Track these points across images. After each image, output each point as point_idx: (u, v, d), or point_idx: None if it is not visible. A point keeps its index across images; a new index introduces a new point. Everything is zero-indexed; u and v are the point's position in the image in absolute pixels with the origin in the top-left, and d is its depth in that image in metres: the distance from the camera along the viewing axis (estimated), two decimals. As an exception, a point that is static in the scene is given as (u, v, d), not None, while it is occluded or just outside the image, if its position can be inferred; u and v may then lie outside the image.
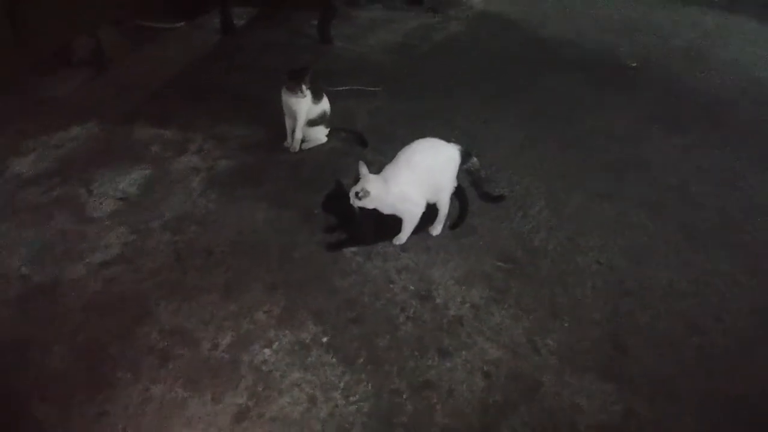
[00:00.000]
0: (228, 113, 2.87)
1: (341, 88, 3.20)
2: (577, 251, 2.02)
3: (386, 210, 1.89)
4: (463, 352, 1.58)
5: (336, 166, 2.42)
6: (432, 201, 1.95)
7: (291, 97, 2.40)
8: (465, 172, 2.00)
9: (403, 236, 1.98)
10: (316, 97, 2.49)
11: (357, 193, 1.81)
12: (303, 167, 2.45)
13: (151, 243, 1.94)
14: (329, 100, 2.57)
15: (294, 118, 2.47)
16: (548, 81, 3.56)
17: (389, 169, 1.88)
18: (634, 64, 3.75)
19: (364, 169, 1.86)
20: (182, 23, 4.13)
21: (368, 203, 1.84)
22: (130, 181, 2.30)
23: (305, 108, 2.46)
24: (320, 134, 2.59)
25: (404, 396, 1.44)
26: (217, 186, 2.28)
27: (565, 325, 1.70)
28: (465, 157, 1.97)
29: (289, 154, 2.53)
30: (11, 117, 2.66)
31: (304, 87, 2.39)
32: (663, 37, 4.56)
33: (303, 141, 2.57)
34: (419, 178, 1.87)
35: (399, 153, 1.92)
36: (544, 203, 2.28)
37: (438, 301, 1.76)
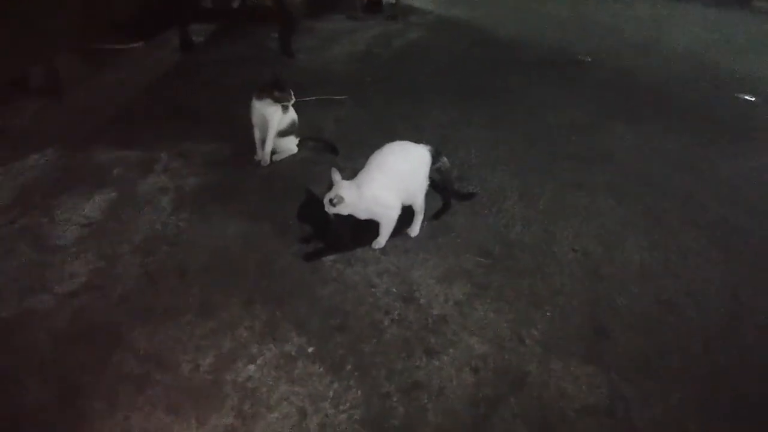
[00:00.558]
0: (192, 131, 2.83)
1: (308, 99, 3.20)
2: (552, 241, 2.06)
3: (362, 215, 1.89)
4: (450, 350, 1.58)
5: (308, 176, 2.40)
6: (407, 203, 1.96)
7: (267, 107, 2.39)
8: (435, 172, 2.02)
9: (381, 240, 1.98)
10: (285, 108, 2.48)
11: (331, 200, 1.80)
12: (275, 179, 2.42)
13: (120, 268, 1.87)
14: (297, 111, 2.56)
15: (265, 130, 2.45)
16: (509, 80, 3.66)
17: (362, 175, 1.89)
18: (589, 59, 3.90)
19: (337, 176, 1.85)
20: (140, 43, 4.06)
21: (343, 209, 1.83)
22: (93, 205, 2.21)
23: (277, 118, 2.44)
24: (291, 144, 2.58)
25: (394, 399, 1.43)
26: (187, 204, 2.23)
27: (547, 314, 1.72)
28: (435, 156, 1.99)
29: (260, 168, 2.49)
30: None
31: (291, 92, 2.41)
32: (615, 30, 4.76)
33: (274, 153, 2.55)
34: (392, 181, 1.88)
35: (370, 158, 1.92)
36: (518, 197, 2.32)
37: (421, 301, 1.75)
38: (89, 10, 3.40)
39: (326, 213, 1.84)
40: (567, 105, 3.31)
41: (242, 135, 2.54)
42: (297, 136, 2.59)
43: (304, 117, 2.83)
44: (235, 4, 4.49)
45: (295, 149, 2.60)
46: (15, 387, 1.45)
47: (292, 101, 2.42)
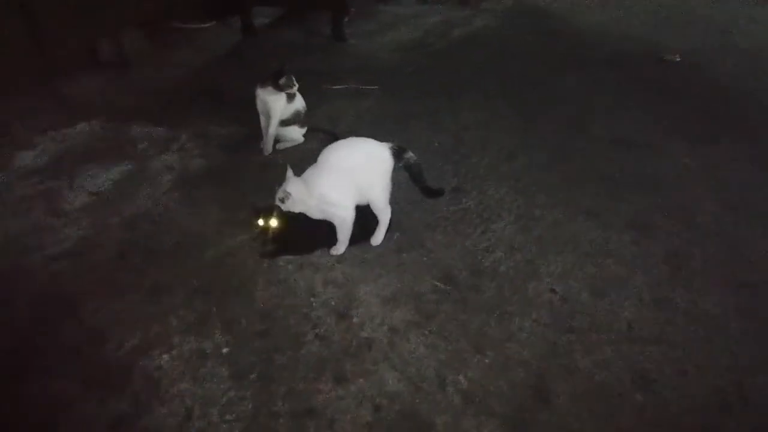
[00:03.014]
0: (220, 113, 2.93)
1: (338, 87, 3.15)
2: (532, 276, 1.79)
3: (314, 214, 1.82)
4: (361, 380, 1.46)
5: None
6: (362, 203, 1.85)
7: (269, 95, 2.40)
8: (403, 169, 1.88)
9: (339, 246, 1.89)
10: (290, 97, 2.47)
11: (280, 198, 1.76)
12: (271, 169, 2.42)
13: (102, 238, 2.02)
14: (322, 100, 2.53)
15: (268, 117, 2.46)
16: (565, 80, 3.24)
17: (309, 171, 1.82)
18: (677, 59, 3.27)
19: (289, 173, 1.81)
20: (212, 23, 4.30)
21: (292, 206, 1.78)
22: (109, 176, 2.41)
23: (280, 106, 2.44)
24: (295, 134, 2.56)
25: (281, 421, 1.37)
26: (184, 185, 2.33)
27: (486, 360, 1.51)
28: (398, 154, 1.85)
29: (262, 155, 2.52)
30: (29, 113, 2.91)
31: (294, 81, 2.39)
32: (722, 29, 3.96)
33: (278, 141, 2.55)
34: (339, 179, 1.78)
35: (321, 152, 1.84)
36: (513, 219, 2.06)
37: (355, 320, 1.64)
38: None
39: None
40: (623, 115, 2.83)
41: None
42: (303, 126, 2.56)
43: (325, 106, 2.79)
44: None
45: (300, 139, 2.57)
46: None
47: (295, 89, 2.40)
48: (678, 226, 2.00)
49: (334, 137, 2.61)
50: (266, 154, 2.51)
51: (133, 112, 2.97)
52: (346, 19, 4.00)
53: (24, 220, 2.15)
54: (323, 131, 2.63)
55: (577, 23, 4.15)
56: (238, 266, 1.87)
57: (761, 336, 1.58)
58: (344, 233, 1.85)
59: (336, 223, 1.83)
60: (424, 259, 1.88)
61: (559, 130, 2.69)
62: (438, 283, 1.76)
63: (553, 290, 1.73)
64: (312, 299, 1.72)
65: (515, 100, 2.99)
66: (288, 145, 2.56)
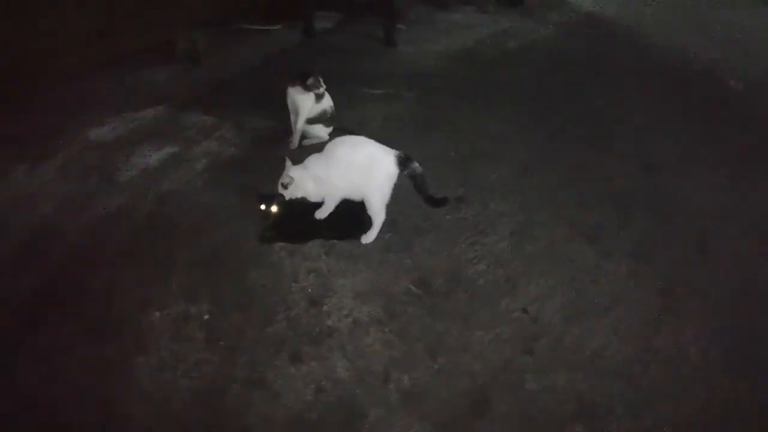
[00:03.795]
0: (264, 107, 3.16)
1: (375, 91, 3.27)
2: (508, 293, 1.78)
3: (313, 197, 1.99)
4: (313, 363, 1.57)
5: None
6: (354, 198, 1.97)
7: (298, 94, 2.58)
8: (408, 178, 1.95)
9: (324, 210, 2.03)
10: (319, 97, 2.63)
11: (282, 183, 1.92)
12: (294, 161, 2.60)
13: (137, 208, 2.30)
14: (357, 102, 2.67)
15: (296, 115, 2.64)
16: (610, 96, 3.08)
17: (312, 158, 2.00)
18: (740, 87, 2.99)
19: (288, 162, 2.00)
20: (279, 26, 4.63)
21: (294, 191, 1.95)
22: (158, 156, 2.73)
23: (308, 105, 2.61)
24: (320, 132, 2.72)
25: (234, 386, 1.51)
26: (214, 170, 2.57)
27: (435, 366, 1.54)
28: (404, 163, 1.93)
29: (288, 150, 2.71)
30: (108, 96, 3.36)
31: (322, 82, 2.57)
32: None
33: (304, 138, 2.73)
34: (337, 169, 1.92)
35: (327, 144, 2.01)
36: (508, 234, 2.05)
37: (324, 308, 1.75)
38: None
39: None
40: (659, 138, 2.66)
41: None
42: (329, 125, 2.71)
43: (359, 108, 2.92)
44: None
45: (325, 137, 2.72)
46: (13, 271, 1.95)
47: (322, 90, 2.55)
48: (684, 263, 1.87)
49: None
50: (292, 148, 2.69)
51: (191, 101, 3.31)
52: (401, 26, 4.12)
53: (80, 185, 2.50)
54: (347, 131, 2.77)
55: (644, 40, 3.92)
56: (239, 246, 2.06)
57: (741, 399, 1.44)
58: (328, 203, 2.00)
59: (326, 199, 2.01)
60: (407, 261, 1.93)
61: (585, 148, 2.60)
62: (412, 286, 1.82)
63: (525, 310, 1.71)
64: (293, 284, 1.86)
65: (549, 115, 2.92)
66: (313, 141, 2.73)
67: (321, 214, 2.04)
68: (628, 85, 3.21)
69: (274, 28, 4.57)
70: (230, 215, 2.23)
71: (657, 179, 2.33)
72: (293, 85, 2.56)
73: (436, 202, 2.05)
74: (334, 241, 2.02)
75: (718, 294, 1.75)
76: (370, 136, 2.70)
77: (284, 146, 2.73)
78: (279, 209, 1.98)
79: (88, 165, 2.67)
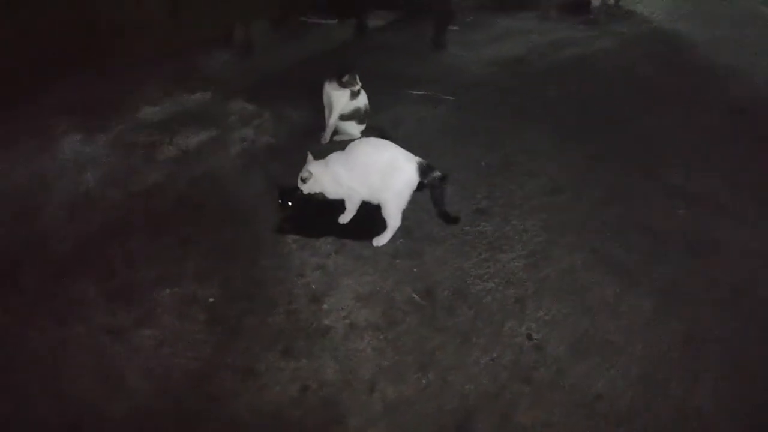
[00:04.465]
0: (303, 100, 3.18)
1: (416, 92, 3.23)
2: (514, 315, 1.71)
3: (331, 194, 2.00)
4: (304, 360, 1.57)
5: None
6: (372, 201, 1.96)
7: (333, 90, 2.60)
8: (427, 187, 1.92)
9: (347, 215, 2.04)
10: (354, 95, 2.63)
11: (302, 177, 1.96)
12: (321, 156, 2.62)
13: (169, 187, 2.40)
14: (395, 102, 2.66)
15: (330, 110, 2.66)
16: (665, 120, 2.87)
17: (334, 156, 2.00)
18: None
19: (309, 157, 2.02)
20: (335, 21, 4.68)
21: (312, 186, 1.98)
22: (199, 139, 2.84)
23: (342, 102, 2.63)
24: (352, 129, 2.72)
25: (225, 372, 1.55)
26: (245, 157, 2.64)
27: (424, 381, 1.50)
28: (425, 172, 1.89)
29: (319, 144, 2.73)
30: (166, 79, 3.52)
31: (357, 78, 2.58)
32: None
33: (336, 133, 2.74)
34: (356, 170, 1.92)
35: (349, 143, 2.01)
36: (525, 254, 1.96)
37: (324, 306, 1.75)
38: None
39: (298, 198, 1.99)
40: (712, 169, 2.44)
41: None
42: (362, 123, 2.71)
43: (398, 108, 2.89)
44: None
45: (356, 135, 2.72)
46: (52, 239, 2.08)
47: (358, 87, 2.56)
48: (714, 310, 1.71)
49: (386, 138, 2.74)
50: (323, 142, 2.72)
51: (239, 89, 3.41)
52: (455, 28, 4.05)
53: (125, 160, 2.66)
54: (380, 130, 2.75)
55: (709, 62, 3.60)
56: (257, 234, 2.10)
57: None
58: (350, 207, 2.00)
59: (347, 199, 2.00)
60: (415, 269, 1.90)
61: (624, 173, 2.43)
62: (415, 296, 1.78)
63: (529, 336, 1.63)
64: (298, 278, 1.87)
65: (592, 134, 2.76)
66: (344, 138, 2.73)
67: (344, 218, 2.05)
68: (682, 109, 2.97)
69: (332, 23, 4.64)
70: (254, 203, 2.29)
71: (698, 215, 2.14)
72: (330, 80, 2.59)
73: (449, 219, 2.01)
74: (347, 239, 2.02)
75: (747, 349, 1.59)
76: (402, 137, 2.74)
77: (317, 140, 2.77)
78: (297, 202, 2.01)
79: (135, 142, 2.82)
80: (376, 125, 2.78)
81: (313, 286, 1.83)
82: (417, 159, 1.91)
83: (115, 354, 1.62)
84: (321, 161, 2.00)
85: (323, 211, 2.07)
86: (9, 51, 3.00)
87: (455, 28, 4.26)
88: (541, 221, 2.11)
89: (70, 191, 2.37)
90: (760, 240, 2.02)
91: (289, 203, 2.00)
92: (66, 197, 2.33)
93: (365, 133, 2.76)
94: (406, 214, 1.99)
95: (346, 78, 2.52)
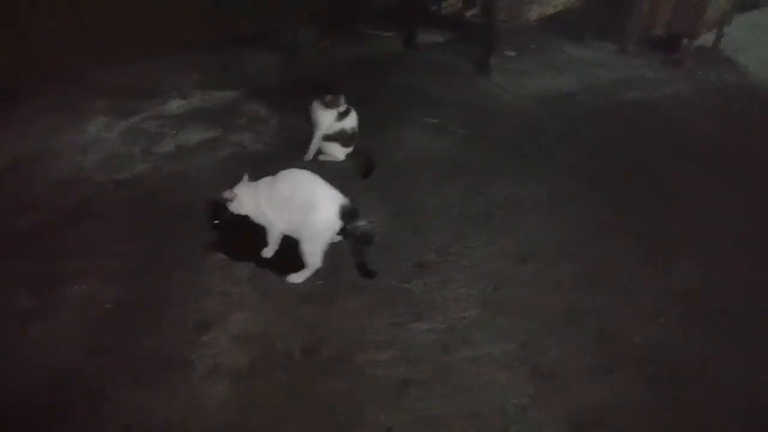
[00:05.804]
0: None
1: (430, 120, 3.00)
2: (386, 400, 1.46)
3: (255, 219, 1.92)
4: (144, 394, 1.48)
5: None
6: (292, 235, 1.85)
7: (318, 108, 2.51)
8: (346, 235, 1.74)
9: (269, 248, 1.94)
10: (341, 116, 2.50)
11: (225, 196, 1.90)
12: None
13: (149, 179, 2.47)
14: (403, 126, 2.56)
15: (315, 128, 2.56)
16: (698, 201, 2.32)
17: (264, 180, 1.91)
18: None
19: (245, 177, 1.95)
20: (392, 33, 4.55)
21: (237, 207, 1.90)
22: (201, 137, 2.90)
23: (326, 121, 2.52)
24: (335, 151, 2.60)
25: (82, 390, 1.51)
26: (229, 162, 2.63)
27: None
28: (347, 216, 1.73)
29: (301, 160, 2.63)
30: (203, 72, 3.67)
31: (341, 100, 2.48)
32: None
33: (321, 153, 2.63)
34: (276, 201, 1.83)
35: (281, 171, 1.91)
36: (443, 329, 1.69)
37: (203, 338, 1.66)
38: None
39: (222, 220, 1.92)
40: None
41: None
42: (348, 146, 2.57)
43: (402, 132, 2.70)
44: (468, 15, 4.33)
45: (340, 157, 2.59)
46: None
47: (341, 108, 2.43)
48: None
49: (368, 167, 2.56)
50: (305, 159, 2.62)
51: (265, 91, 3.45)
52: (511, 53, 3.73)
53: (127, 148, 2.80)
54: (365, 155, 2.57)
55: None
56: (189, 245, 2.05)
57: None
58: (271, 239, 1.90)
59: (268, 229, 1.90)
60: (316, 318, 1.72)
61: (622, 255, 1.98)
62: (297, 351, 1.60)
63: (389, 429, 1.37)
64: (198, 302, 1.80)
65: (604, 197, 2.31)
66: (328, 158, 2.62)
67: (267, 252, 1.95)
68: (737, 187, 2.38)
69: (386, 34, 4.52)
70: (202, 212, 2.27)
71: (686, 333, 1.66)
72: (317, 98, 2.48)
73: (365, 272, 1.80)
74: (267, 269, 1.91)
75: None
76: (390, 164, 2.57)
77: (302, 155, 2.68)
78: (225, 221, 1.93)
79: (146, 131, 2.98)
80: (363, 148, 2.62)
81: (205, 314, 1.74)
82: (342, 201, 1.74)
83: (10, 339, 1.69)
84: (253, 184, 1.90)
85: (257, 233, 1.97)
86: (64, 33, 3.34)
87: (512, 53, 3.91)
88: (482, 294, 1.80)
89: (62, 169, 2.56)
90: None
91: (216, 221, 1.93)
92: (56, 174, 2.52)
93: (351, 156, 2.62)
94: (339, 253, 1.83)
95: (328, 98, 2.40)
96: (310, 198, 1.75)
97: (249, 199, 1.85)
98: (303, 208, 1.74)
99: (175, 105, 3.27)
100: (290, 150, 2.76)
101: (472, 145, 2.76)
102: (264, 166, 2.55)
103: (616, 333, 1.67)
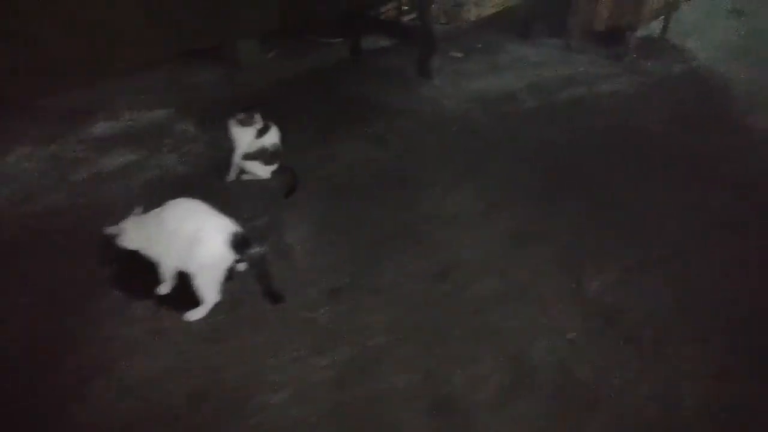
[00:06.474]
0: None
1: (368, 130, 2.89)
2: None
3: (145, 253, 1.77)
4: None
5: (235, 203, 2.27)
6: (183, 269, 1.72)
7: (234, 127, 2.40)
8: (247, 262, 1.64)
9: (164, 285, 1.81)
10: (260, 133, 2.39)
11: (110, 232, 1.76)
12: (214, 197, 2.29)
13: (62, 207, 2.33)
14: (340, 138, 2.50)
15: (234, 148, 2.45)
16: (637, 200, 2.24)
17: (153, 213, 1.77)
18: None
19: (137, 210, 1.81)
20: (339, 40, 4.43)
21: (126, 242, 1.76)
22: (124, 160, 2.73)
23: (245, 140, 2.41)
24: (258, 170, 2.49)
25: None
26: (147, 189, 2.48)
27: None
28: (239, 246, 1.62)
29: (223, 180, 2.52)
30: (135, 91, 3.49)
31: (256, 117, 2.37)
32: None
33: (244, 172, 2.51)
34: (162, 235, 1.69)
35: (168, 203, 1.77)
36: (345, 360, 1.57)
37: (84, 392, 1.50)
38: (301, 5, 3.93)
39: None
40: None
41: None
42: (270, 164, 2.45)
43: (339, 144, 2.64)
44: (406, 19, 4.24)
45: (264, 175, 2.47)
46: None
47: (258, 125, 2.33)
48: None
49: (291, 186, 2.45)
50: (227, 180, 2.51)
51: (199, 109, 3.31)
52: (458, 55, 3.63)
53: (40, 177, 2.61)
54: (289, 171, 2.46)
55: (748, 120, 2.78)
56: (92, 282, 1.91)
57: None
58: (163, 272, 1.76)
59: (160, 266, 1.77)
60: (209, 360, 1.59)
61: (551, 263, 1.88)
62: (179, 409, 1.46)
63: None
64: (87, 347, 1.65)
65: (535, 203, 2.22)
66: (251, 177, 2.50)
67: (162, 289, 1.82)
68: (680, 185, 2.29)
69: (334, 41, 4.41)
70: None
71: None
72: (231, 117, 2.37)
73: (274, 298, 1.69)
74: (167, 307, 1.77)
75: None
76: (320, 177, 2.45)
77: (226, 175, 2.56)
78: (115, 255, 1.80)
79: (67, 158, 2.83)
80: (288, 165, 2.51)
81: (91, 362, 1.60)
82: (231, 230, 1.62)
83: None
84: (141, 217, 1.76)
85: (149, 270, 1.83)
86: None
87: (459, 55, 3.82)
88: (392, 317, 1.69)
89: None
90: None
91: (106, 258, 1.80)
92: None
93: (278, 173, 2.51)
94: (244, 283, 1.71)
95: (241, 116, 2.29)
96: (195, 229, 1.63)
97: (137, 233, 1.73)
98: (189, 240, 1.62)
99: (104, 127, 3.12)
100: (217, 170, 2.63)
101: (407, 155, 2.66)
102: (187, 189, 2.43)
103: (523, 353, 1.57)
